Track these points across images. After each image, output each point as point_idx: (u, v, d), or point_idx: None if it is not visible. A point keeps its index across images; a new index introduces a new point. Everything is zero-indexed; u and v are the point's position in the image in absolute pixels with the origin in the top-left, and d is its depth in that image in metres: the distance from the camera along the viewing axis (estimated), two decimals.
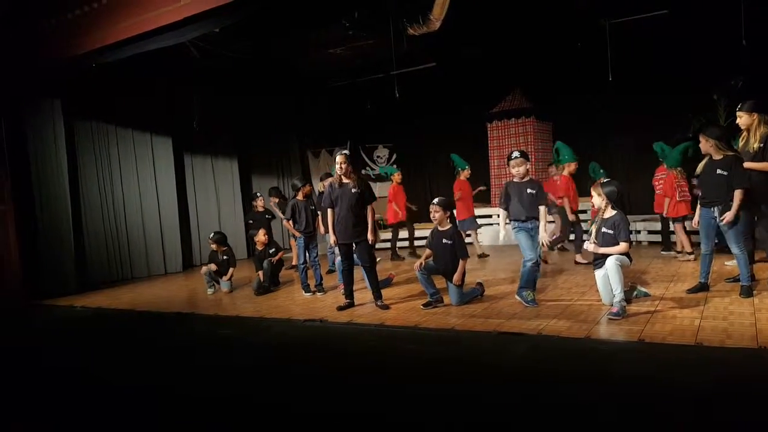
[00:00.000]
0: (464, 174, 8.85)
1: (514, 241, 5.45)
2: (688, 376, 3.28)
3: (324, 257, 8.56)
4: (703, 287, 5.15)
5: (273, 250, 7.43)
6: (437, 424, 2.94)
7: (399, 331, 4.78)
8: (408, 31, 7.68)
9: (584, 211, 8.40)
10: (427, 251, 5.69)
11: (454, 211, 6.17)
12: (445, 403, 3.19)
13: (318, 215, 6.98)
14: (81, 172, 9.06)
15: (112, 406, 3.60)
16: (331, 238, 5.75)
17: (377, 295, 5.72)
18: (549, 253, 8.02)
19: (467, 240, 6.62)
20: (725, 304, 4.67)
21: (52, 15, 7.29)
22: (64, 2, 7.12)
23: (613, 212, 4.86)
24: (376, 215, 5.71)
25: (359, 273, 6.06)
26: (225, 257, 7.60)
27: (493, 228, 10.45)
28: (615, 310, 4.53)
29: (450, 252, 5.47)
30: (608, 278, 4.69)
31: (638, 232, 8.83)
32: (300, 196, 7.00)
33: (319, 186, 8.38)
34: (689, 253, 7.07)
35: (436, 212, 5.54)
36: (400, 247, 9.55)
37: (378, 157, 12.93)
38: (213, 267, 7.57)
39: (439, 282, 5.68)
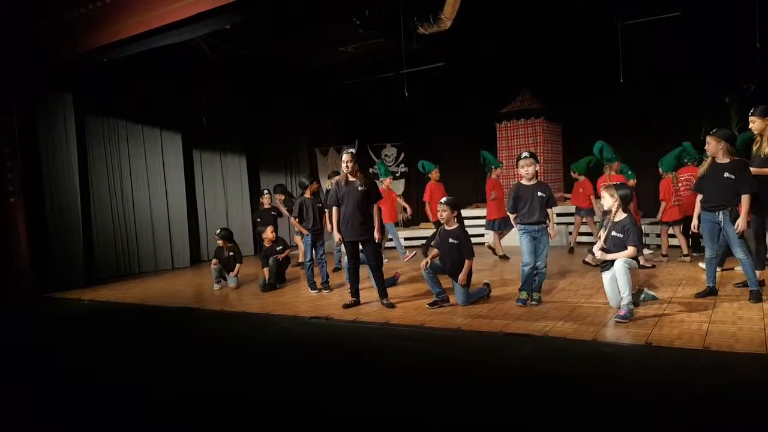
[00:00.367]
0: (496, 173, 8.68)
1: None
2: (695, 380, 3.26)
3: (330, 255, 8.56)
4: (711, 291, 5.11)
5: (280, 247, 7.45)
6: (440, 421, 2.93)
7: (405, 330, 4.78)
8: (418, 30, 7.66)
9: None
10: (434, 250, 5.68)
11: (465, 211, 6.17)
12: (449, 402, 3.18)
13: (325, 213, 7.00)
14: (91, 168, 9.12)
15: (116, 404, 3.61)
16: (336, 236, 5.76)
17: (383, 294, 5.72)
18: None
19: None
20: (734, 309, 4.64)
21: (64, 11, 7.33)
22: None
23: (624, 215, 4.82)
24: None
25: (365, 271, 6.06)
26: (230, 253, 7.63)
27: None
28: (622, 312, 4.50)
29: (456, 251, 5.46)
30: (616, 281, 4.66)
31: (647, 235, 8.76)
32: (307, 194, 7.01)
33: (326, 184, 8.38)
34: (685, 255, 7.20)
35: (443, 211, 5.53)
36: (409, 247, 9.37)
37: (386, 156, 12.92)
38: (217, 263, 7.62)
39: (446, 282, 5.67)
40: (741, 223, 4.66)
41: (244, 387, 3.70)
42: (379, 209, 5.74)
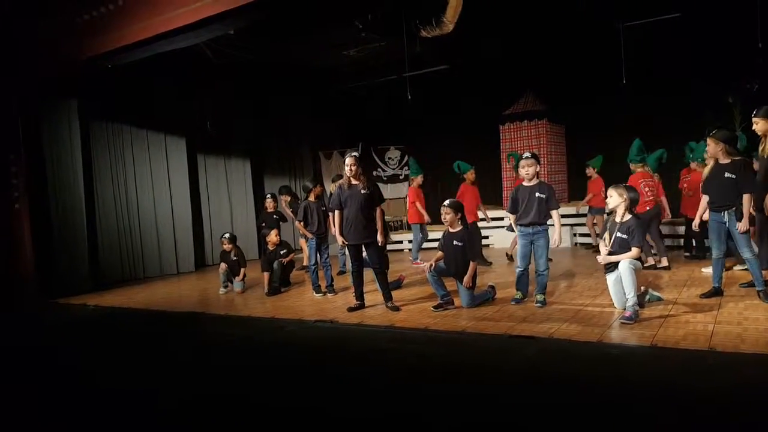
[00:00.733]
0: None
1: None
2: (701, 381, 3.25)
3: (335, 258, 8.57)
4: (717, 292, 5.09)
5: (284, 251, 7.46)
6: (444, 423, 2.93)
7: (409, 333, 4.78)
8: (421, 33, 7.68)
9: None
10: (438, 253, 5.68)
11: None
12: (452, 404, 3.18)
13: (329, 216, 7.00)
14: (95, 172, 9.14)
15: (121, 409, 3.62)
16: (339, 239, 5.76)
17: (387, 297, 5.72)
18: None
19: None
20: (739, 310, 4.62)
21: (69, 16, 7.37)
22: (81, 3, 7.20)
23: (629, 216, 4.82)
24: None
25: (370, 274, 6.06)
26: (235, 258, 7.65)
27: (504, 231, 10.36)
28: (628, 314, 4.49)
29: (460, 254, 5.46)
30: (620, 282, 4.65)
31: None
32: (312, 198, 7.02)
33: (330, 187, 8.38)
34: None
35: (447, 214, 5.54)
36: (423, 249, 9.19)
37: (389, 159, 12.93)
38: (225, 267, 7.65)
39: (451, 285, 5.66)
40: (743, 222, 4.65)
41: (248, 390, 3.70)
42: (383, 212, 5.74)
